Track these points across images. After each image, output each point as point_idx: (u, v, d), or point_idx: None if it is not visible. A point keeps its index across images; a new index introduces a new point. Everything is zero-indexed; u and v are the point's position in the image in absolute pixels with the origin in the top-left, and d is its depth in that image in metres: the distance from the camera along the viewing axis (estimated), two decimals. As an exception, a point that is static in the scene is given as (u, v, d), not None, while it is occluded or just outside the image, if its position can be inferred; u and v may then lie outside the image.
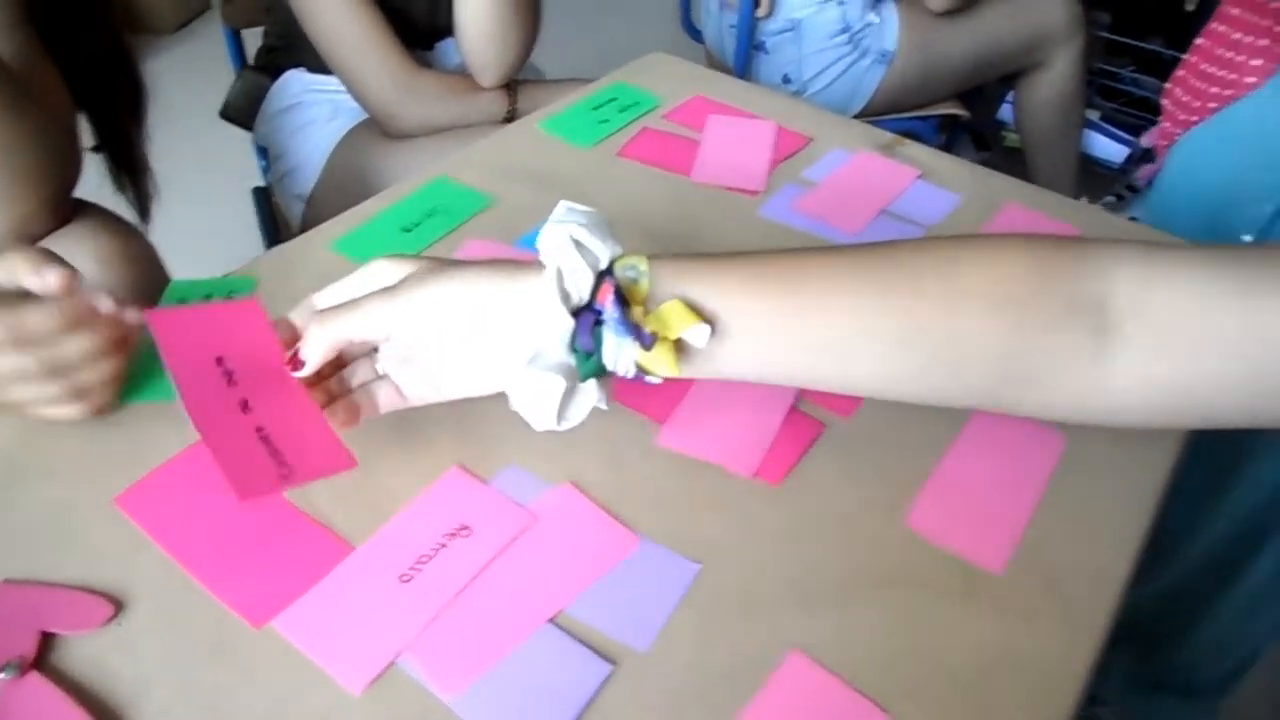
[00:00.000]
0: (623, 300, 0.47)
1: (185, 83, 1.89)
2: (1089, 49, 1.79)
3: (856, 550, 0.49)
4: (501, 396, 0.54)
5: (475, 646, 0.44)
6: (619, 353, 0.47)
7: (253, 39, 1.33)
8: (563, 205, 0.51)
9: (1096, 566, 0.49)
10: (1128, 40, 2.07)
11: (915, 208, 0.74)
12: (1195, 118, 0.86)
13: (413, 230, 0.69)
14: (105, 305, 0.51)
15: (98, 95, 0.84)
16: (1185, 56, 0.90)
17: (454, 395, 0.51)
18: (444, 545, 0.48)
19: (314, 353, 0.49)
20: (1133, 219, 1.86)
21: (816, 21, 1.57)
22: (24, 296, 0.49)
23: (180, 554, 0.47)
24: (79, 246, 0.74)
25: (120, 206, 0.88)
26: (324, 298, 0.52)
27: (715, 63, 1.80)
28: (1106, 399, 0.46)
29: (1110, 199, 1.98)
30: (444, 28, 1.14)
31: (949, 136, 2.11)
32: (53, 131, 0.73)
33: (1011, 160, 2.03)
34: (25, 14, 0.74)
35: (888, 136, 0.82)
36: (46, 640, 0.43)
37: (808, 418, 0.56)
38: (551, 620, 0.45)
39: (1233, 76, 0.81)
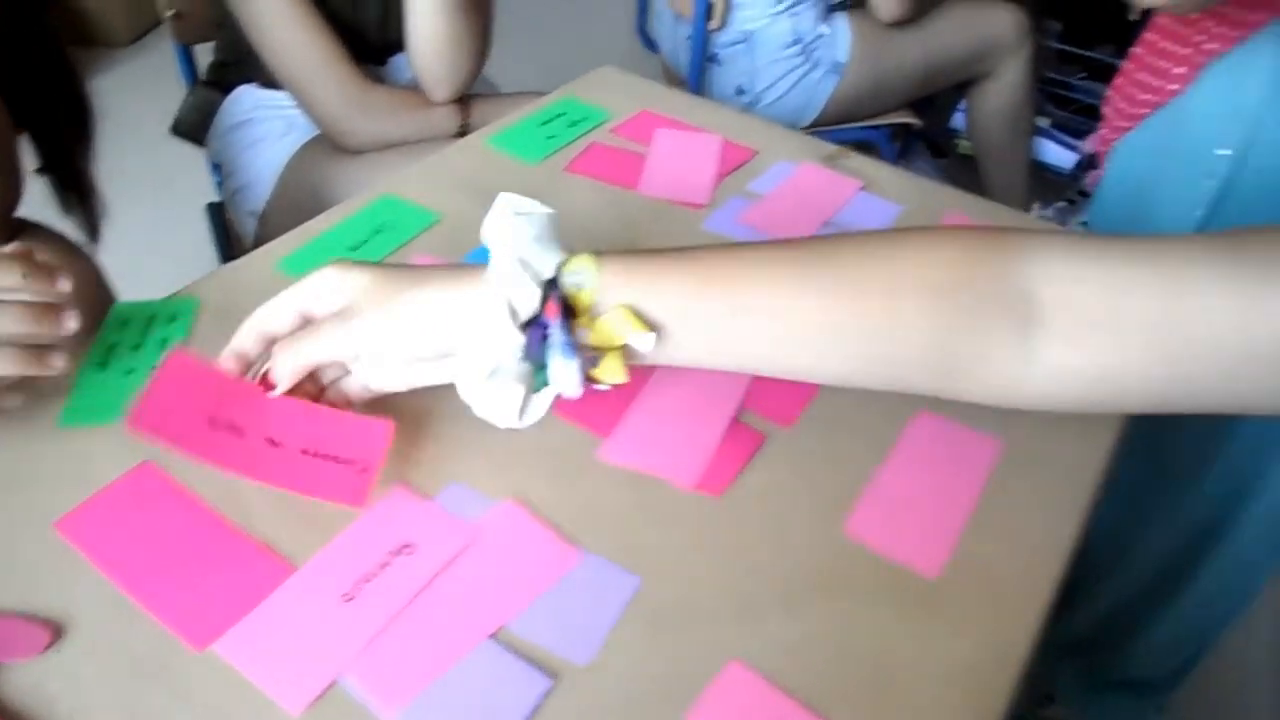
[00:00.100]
0: (569, 310, 0.49)
1: (140, 96, 1.88)
2: (1038, 58, 1.83)
3: (795, 559, 0.50)
4: (444, 414, 0.55)
5: (416, 664, 0.44)
6: (565, 375, 0.48)
7: (206, 53, 1.33)
8: (502, 198, 0.52)
9: (1029, 570, 0.50)
10: (1076, 50, 2.11)
11: (858, 219, 0.76)
12: (1129, 124, 0.88)
13: (359, 248, 0.70)
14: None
15: (40, 116, 0.83)
16: (1123, 64, 0.93)
17: (420, 385, 0.53)
18: (387, 564, 0.48)
19: (284, 381, 0.52)
20: (1084, 224, 1.90)
21: (769, 33, 1.59)
22: None
23: (121, 578, 0.47)
24: None
25: (70, 226, 0.87)
26: (272, 310, 0.53)
27: (671, 74, 1.81)
28: (1033, 387, 0.48)
29: (1062, 204, 2.02)
30: (395, 43, 1.14)
31: (905, 145, 2.14)
32: None
33: (967, 167, 2.06)
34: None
35: (831, 148, 0.84)
36: (-17, 669, 0.43)
37: (749, 429, 0.57)
38: (493, 636, 0.45)
39: (1160, 84, 0.83)
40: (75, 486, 0.51)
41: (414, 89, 1.12)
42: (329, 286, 0.51)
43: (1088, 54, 2.11)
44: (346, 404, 0.54)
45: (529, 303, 0.49)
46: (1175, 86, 0.81)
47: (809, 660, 0.46)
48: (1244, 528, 0.89)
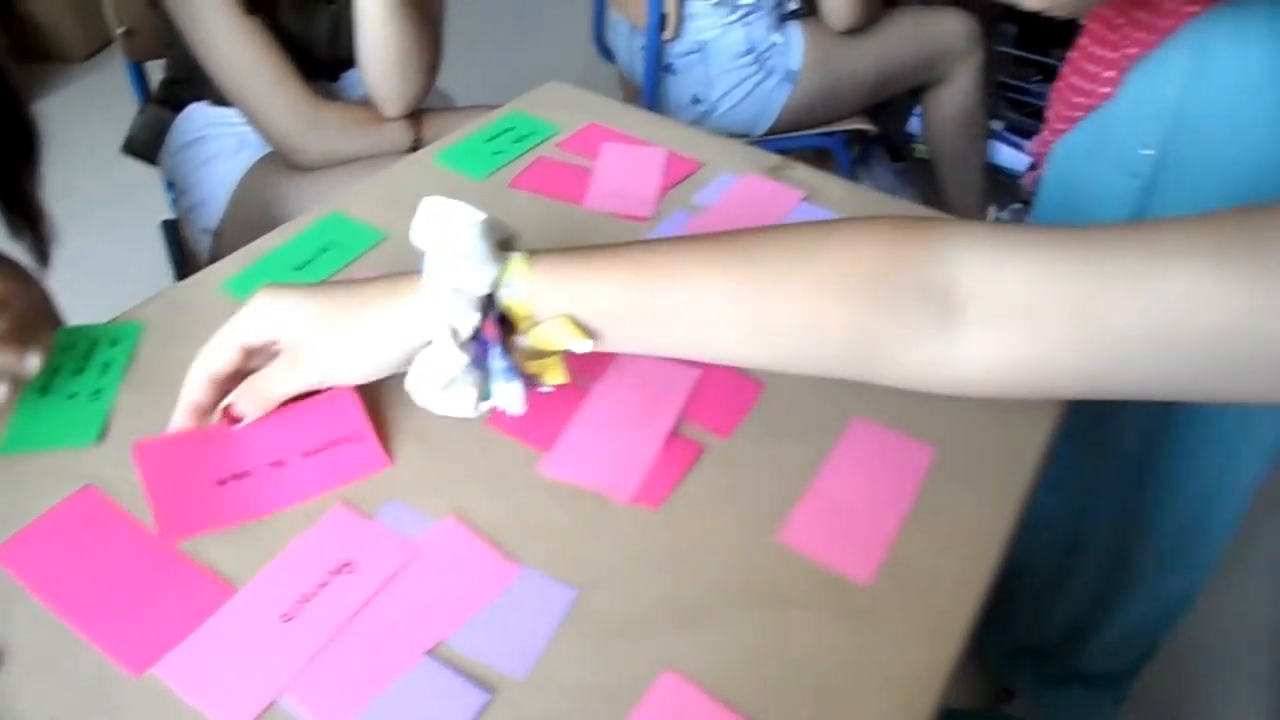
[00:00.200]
0: (508, 324, 0.51)
1: (95, 112, 1.87)
2: (991, 63, 1.86)
3: (730, 568, 0.51)
4: (385, 433, 0.56)
5: (355, 682, 0.45)
6: (508, 396, 0.51)
7: (158, 71, 1.32)
8: (426, 202, 0.53)
9: (959, 576, 0.52)
10: (1030, 55, 2.14)
11: (800, 230, 0.77)
12: (1066, 126, 0.90)
13: (304, 268, 0.70)
14: None
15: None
16: (1062, 68, 0.95)
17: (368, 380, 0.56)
18: (327, 583, 0.49)
19: (251, 417, 0.55)
20: (1037, 225, 1.92)
21: (722, 43, 1.61)
22: None
23: (60, 604, 0.47)
24: None
25: (18, 250, 0.86)
26: (213, 351, 0.54)
27: (627, 84, 1.82)
28: (952, 373, 0.50)
29: (1018, 205, 2.05)
30: (346, 59, 1.14)
31: (863, 150, 2.17)
32: None
33: (924, 171, 2.09)
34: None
35: (775, 159, 0.85)
36: (-82, 699, 0.43)
37: (687, 440, 0.58)
38: (431, 652, 0.46)
39: (1091, 87, 0.85)
40: (14, 514, 0.51)
41: (366, 105, 1.13)
42: (262, 318, 0.52)
43: (1041, 58, 2.14)
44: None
45: (468, 322, 0.50)
46: (1106, 90, 0.84)
47: (745, 669, 0.47)
48: (1184, 523, 0.91)
